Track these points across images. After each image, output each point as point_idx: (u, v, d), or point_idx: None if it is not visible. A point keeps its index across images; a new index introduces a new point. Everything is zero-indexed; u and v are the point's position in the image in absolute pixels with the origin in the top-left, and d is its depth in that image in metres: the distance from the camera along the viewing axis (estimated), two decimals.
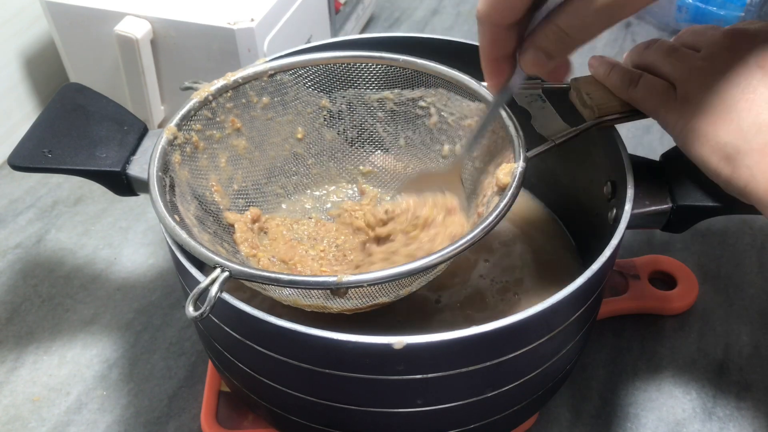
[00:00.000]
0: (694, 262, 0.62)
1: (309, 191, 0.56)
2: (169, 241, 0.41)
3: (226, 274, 0.37)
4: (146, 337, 0.57)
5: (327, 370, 0.38)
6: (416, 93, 0.51)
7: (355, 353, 0.37)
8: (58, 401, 0.53)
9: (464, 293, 0.52)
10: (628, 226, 0.43)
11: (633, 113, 0.46)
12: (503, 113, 0.46)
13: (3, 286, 0.61)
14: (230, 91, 0.49)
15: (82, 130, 0.49)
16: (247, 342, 0.39)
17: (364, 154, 0.55)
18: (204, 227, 0.46)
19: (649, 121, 0.45)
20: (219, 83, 0.48)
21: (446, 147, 0.51)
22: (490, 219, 0.40)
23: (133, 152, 0.49)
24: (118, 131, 0.49)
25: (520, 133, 0.45)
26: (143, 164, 0.48)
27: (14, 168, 0.47)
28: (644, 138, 0.74)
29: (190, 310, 0.35)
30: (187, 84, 0.49)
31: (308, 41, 0.55)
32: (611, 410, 0.52)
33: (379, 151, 0.55)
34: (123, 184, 0.48)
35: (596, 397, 0.53)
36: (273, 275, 0.37)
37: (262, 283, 0.38)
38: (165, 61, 0.68)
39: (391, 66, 0.51)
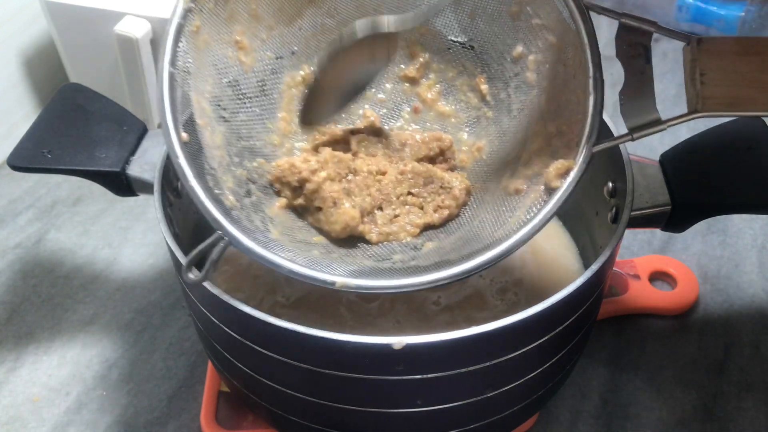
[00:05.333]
0: (694, 262, 0.62)
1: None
2: (168, 240, 0.41)
3: (224, 242, 0.36)
4: (146, 337, 0.57)
5: (327, 371, 0.38)
6: None
7: (354, 353, 0.37)
8: (58, 401, 0.53)
9: (464, 293, 0.52)
10: (628, 226, 0.43)
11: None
12: (590, 64, 0.34)
13: (3, 286, 0.61)
14: None
15: (82, 131, 0.49)
16: (247, 342, 0.39)
17: None
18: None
19: None
20: None
21: None
22: (523, 232, 0.37)
23: (133, 152, 0.49)
24: (118, 131, 0.49)
25: (599, 109, 0.34)
26: (143, 164, 0.48)
27: (14, 168, 0.47)
28: (644, 138, 0.74)
29: (191, 275, 0.36)
30: None
31: None
32: (611, 410, 0.52)
33: None
34: (122, 185, 0.48)
35: (596, 397, 0.53)
36: (273, 259, 0.36)
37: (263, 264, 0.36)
38: None
39: None
